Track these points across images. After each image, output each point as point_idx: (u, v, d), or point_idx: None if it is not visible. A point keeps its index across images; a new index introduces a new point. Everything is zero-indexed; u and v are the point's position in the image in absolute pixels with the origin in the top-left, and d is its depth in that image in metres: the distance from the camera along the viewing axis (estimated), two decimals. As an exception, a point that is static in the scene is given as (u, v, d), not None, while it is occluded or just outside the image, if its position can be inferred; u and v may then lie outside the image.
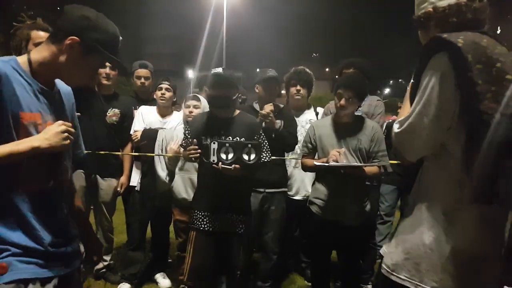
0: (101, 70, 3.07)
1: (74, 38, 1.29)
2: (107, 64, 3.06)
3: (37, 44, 2.23)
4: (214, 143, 2.19)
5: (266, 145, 2.46)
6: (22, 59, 1.30)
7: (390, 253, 1.36)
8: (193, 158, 2.30)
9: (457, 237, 1.22)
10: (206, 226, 2.36)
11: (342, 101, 2.42)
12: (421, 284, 1.26)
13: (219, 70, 2.34)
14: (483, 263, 1.21)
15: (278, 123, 2.81)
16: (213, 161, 2.19)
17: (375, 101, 3.10)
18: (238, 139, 2.31)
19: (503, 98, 1.05)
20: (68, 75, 1.37)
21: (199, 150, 2.25)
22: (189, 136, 2.42)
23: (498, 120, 1.04)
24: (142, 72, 3.46)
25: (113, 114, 3.13)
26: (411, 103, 1.31)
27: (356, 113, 2.75)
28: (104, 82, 3.11)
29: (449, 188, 1.24)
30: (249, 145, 2.22)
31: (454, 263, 1.22)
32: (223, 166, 2.17)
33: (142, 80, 3.46)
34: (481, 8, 1.30)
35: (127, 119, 3.22)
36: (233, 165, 2.18)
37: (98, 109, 3.07)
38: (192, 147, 2.27)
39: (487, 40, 1.20)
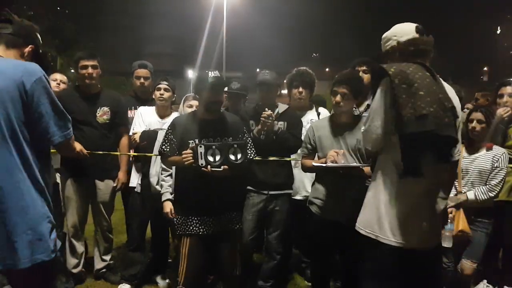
0: (83, 71, 3.01)
1: (33, 46, 1.67)
2: (88, 63, 3.01)
3: None
4: (200, 146, 2.19)
5: (250, 142, 2.48)
6: None
7: (361, 214, 1.94)
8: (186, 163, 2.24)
9: (396, 201, 1.80)
10: (200, 229, 2.34)
11: (338, 98, 2.42)
12: (378, 234, 1.81)
13: (217, 73, 2.34)
14: (413, 219, 1.79)
15: (277, 125, 2.80)
16: (202, 164, 2.18)
17: None
18: (226, 138, 2.33)
19: (418, 107, 1.61)
20: None
21: (191, 155, 2.22)
22: (174, 140, 2.38)
23: (406, 120, 1.61)
24: (142, 72, 3.45)
25: (103, 113, 3.09)
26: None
27: (365, 114, 2.74)
28: (87, 82, 3.04)
29: (392, 169, 1.80)
30: (235, 145, 2.24)
31: (396, 219, 1.79)
32: (213, 169, 2.18)
33: (142, 80, 3.45)
34: (428, 41, 1.87)
35: (118, 115, 3.18)
36: (222, 167, 2.19)
37: (84, 112, 3.02)
38: (187, 152, 2.25)
39: (413, 69, 1.72)
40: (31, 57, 1.66)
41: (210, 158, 2.19)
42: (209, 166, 2.18)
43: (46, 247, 1.50)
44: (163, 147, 2.41)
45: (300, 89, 3.17)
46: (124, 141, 3.23)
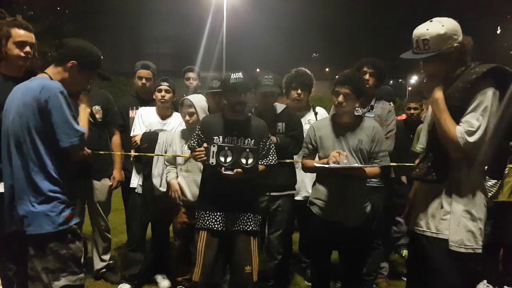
0: None
1: (74, 62, 1.93)
2: None
3: (18, 43, 2.25)
4: (214, 146, 2.24)
5: (273, 148, 2.49)
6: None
7: (454, 233, 1.83)
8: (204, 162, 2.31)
9: (484, 206, 1.86)
10: (216, 225, 2.39)
11: (340, 98, 2.42)
12: (476, 246, 1.80)
13: (240, 75, 2.37)
14: None
15: (274, 139, 2.77)
16: (212, 163, 2.23)
17: (388, 105, 3.09)
18: (250, 140, 2.37)
19: None
20: (70, 86, 1.94)
21: (204, 153, 2.28)
22: (202, 136, 2.46)
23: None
24: (144, 72, 3.45)
25: (95, 112, 3.07)
26: (455, 114, 1.78)
27: (368, 115, 2.73)
28: None
29: (475, 175, 1.82)
30: (248, 150, 2.27)
31: (483, 223, 1.86)
32: (224, 172, 2.22)
33: (144, 80, 3.45)
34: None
35: (109, 112, 3.18)
36: (235, 170, 2.22)
37: (77, 111, 3.00)
38: (200, 149, 2.31)
39: None
40: (76, 71, 1.95)
41: (222, 159, 2.24)
42: (223, 168, 2.22)
43: (52, 221, 1.82)
44: (192, 142, 2.50)
45: (299, 91, 3.16)
46: (116, 139, 3.23)
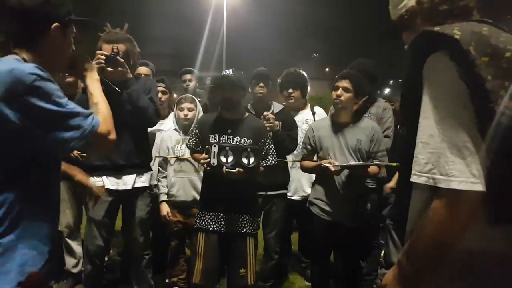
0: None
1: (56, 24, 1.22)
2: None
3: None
4: (214, 146, 2.22)
5: (272, 148, 2.46)
6: None
7: None
8: (205, 165, 2.30)
9: None
10: (213, 226, 2.37)
11: (338, 91, 2.42)
12: None
13: (229, 72, 2.36)
14: None
15: (277, 124, 2.79)
16: (213, 163, 2.22)
17: (383, 103, 3.10)
18: (246, 139, 2.35)
19: None
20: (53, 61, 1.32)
21: (208, 158, 2.26)
22: (199, 134, 2.47)
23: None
24: (143, 70, 3.43)
25: None
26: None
27: (364, 115, 2.74)
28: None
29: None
30: (249, 149, 2.24)
31: None
32: (227, 170, 2.19)
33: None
34: None
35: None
36: (237, 169, 2.19)
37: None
38: (203, 155, 2.32)
39: (488, 28, 0.97)
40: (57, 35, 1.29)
41: (223, 159, 2.22)
42: (224, 167, 2.20)
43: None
44: (190, 141, 2.53)
45: (290, 90, 3.20)
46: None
